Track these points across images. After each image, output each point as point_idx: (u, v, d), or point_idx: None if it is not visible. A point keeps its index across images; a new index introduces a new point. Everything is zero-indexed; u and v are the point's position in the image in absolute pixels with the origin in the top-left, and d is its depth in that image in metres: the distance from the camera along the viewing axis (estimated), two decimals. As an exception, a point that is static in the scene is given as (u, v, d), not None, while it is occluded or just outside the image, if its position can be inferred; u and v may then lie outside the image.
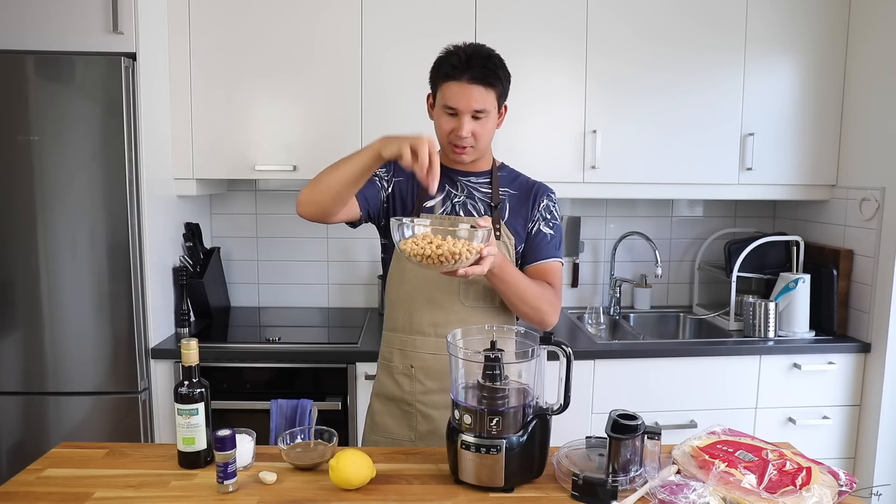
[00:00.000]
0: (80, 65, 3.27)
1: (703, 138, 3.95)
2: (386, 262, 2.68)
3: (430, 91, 2.59)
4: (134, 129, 3.36)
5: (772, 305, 3.87)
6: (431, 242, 2.08)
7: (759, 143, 3.96)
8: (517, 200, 2.60)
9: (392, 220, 2.14)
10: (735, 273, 4.08)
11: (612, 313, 4.51)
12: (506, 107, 2.58)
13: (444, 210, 2.56)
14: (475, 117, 2.43)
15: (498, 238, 2.52)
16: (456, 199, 2.57)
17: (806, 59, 3.96)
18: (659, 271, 4.20)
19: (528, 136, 3.87)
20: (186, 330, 3.85)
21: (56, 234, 3.33)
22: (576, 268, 4.58)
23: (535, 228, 2.59)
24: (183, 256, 3.96)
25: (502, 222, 2.55)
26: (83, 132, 3.28)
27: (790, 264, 4.13)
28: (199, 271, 4.02)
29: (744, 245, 4.09)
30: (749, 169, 3.98)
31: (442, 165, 2.57)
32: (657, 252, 4.21)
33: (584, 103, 3.89)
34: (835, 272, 3.92)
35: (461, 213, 2.55)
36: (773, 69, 3.95)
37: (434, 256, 2.06)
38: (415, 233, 2.12)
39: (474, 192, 2.59)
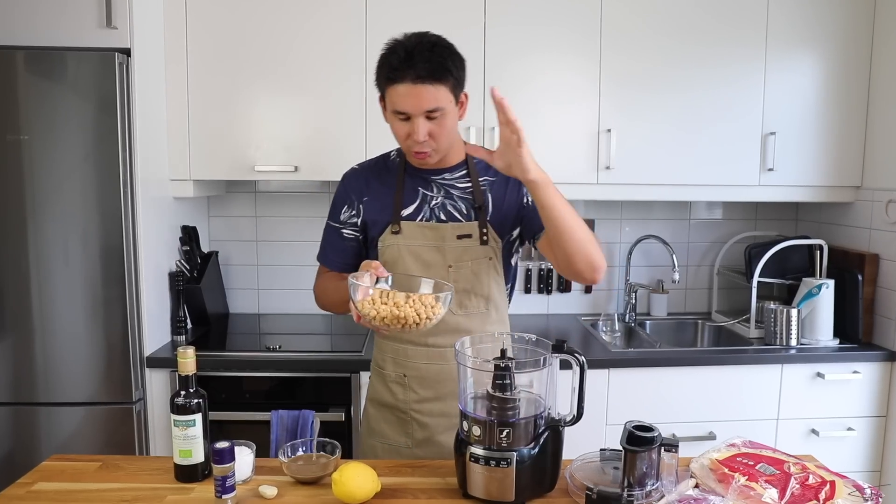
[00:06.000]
0: (73, 61, 3.28)
1: (723, 137, 3.95)
2: None
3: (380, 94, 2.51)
4: (128, 128, 3.37)
5: (794, 312, 3.86)
6: (387, 303, 2.07)
7: (780, 143, 3.96)
8: (498, 187, 2.55)
9: (350, 278, 2.14)
10: (756, 278, 4.07)
11: (627, 320, 4.50)
12: (466, 95, 2.45)
13: (423, 217, 2.53)
14: (429, 117, 2.32)
15: (486, 243, 2.50)
16: (434, 203, 2.53)
17: (830, 54, 3.96)
18: (676, 276, 4.20)
19: (539, 135, 3.81)
20: (183, 337, 3.85)
21: (47, 237, 3.34)
22: (589, 273, 4.57)
23: (531, 198, 2.44)
24: (179, 261, 3.97)
25: (488, 223, 2.51)
26: (75, 131, 3.29)
27: (813, 269, 4.12)
28: (196, 276, 4.02)
29: (765, 249, 4.08)
30: (770, 169, 3.97)
31: (412, 168, 2.57)
32: (674, 256, 4.22)
33: (597, 101, 3.89)
34: (860, 277, 3.91)
35: (441, 215, 2.51)
36: (796, 65, 3.95)
37: (391, 318, 2.06)
38: (370, 293, 2.12)
39: (452, 191, 2.54)
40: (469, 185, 2.55)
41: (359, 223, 2.61)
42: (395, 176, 2.59)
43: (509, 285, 2.69)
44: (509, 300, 2.74)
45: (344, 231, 2.64)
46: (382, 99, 2.45)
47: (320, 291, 2.73)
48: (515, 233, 2.58)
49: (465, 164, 2.58)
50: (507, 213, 2.54)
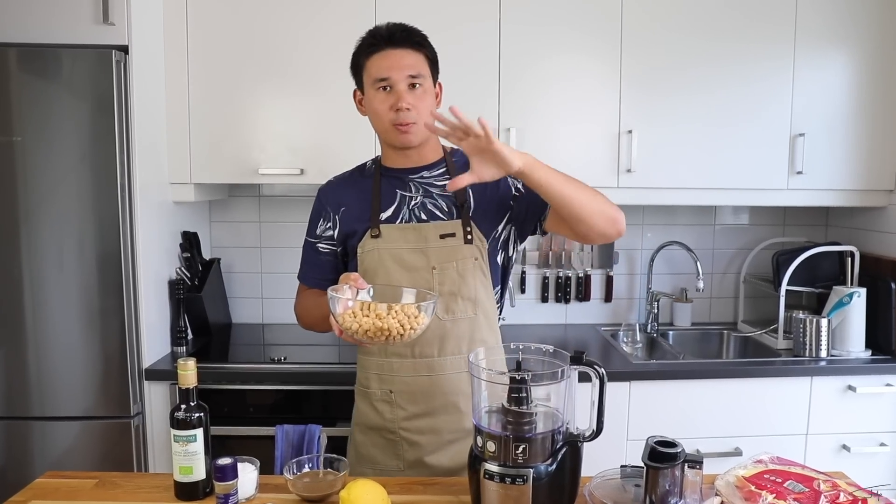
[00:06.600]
0: (68, 58, 3.28)
1: (749, 139, 3.94)
2: None
3: (356, 88, 2.60)
4: (126, 129, 3.37)
5: (824, 322, 3.85)
6: (369, 315, 2.08)
7: (810, 145, 3.94)
8: (479, 185, 2.48)
9: (329, 291, 2.14)
10: (784, 286, 4.06)
11: (649, 330, 4.50)
12: (440, 84, 2.57)
13: (403, 218, 2.54)
14: (412, 85, 2.42)
15: (471, 242, 2.50)
16: (413, 203, 2.54)
17: (862, 51, 3.94)
18: (700, 285, 4.19)
19: (557, 136, 3.87)
20: (183, 349, 3.85)
21: (41, 243, 3.35)
22: (610, 281, 4.59)
23: (519, 185, 2.53)
24: (180, 268, 3.97)
25: (472, 222, 2.52)
26: (71, 132, 3.30)
27: (844, 277, 4.11)
28: (197, 284, 4.03)
29: (793, 256, 4.06)
30: (799, 172, 3.96)
31: (389, 170, 2.60)
32: (699, 264, 4.20)
33: (618, 101, 3.88)
34: (893, 285, 3.89)
35: (422, 215, 2.53)
36: (826, 63, 3.93)
37: (374, 330, 2.07)
38: (351, 306, 2.13)
39: (431, 189, 2.56)
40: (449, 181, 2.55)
41: (335, 236, 2.63)
42: (370, 182, 2.62)
43: (497, 289, 2.67)
44: (500, 306, 2.73)
45: (319, 245, 2.68)
46: (359, 89, 2.58)
47: (301, 310, 2.78)
48: (500, 228, 2.58)
49: (444, 162, 2.61)
50: (489, 209, 2.55)
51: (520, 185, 2.53)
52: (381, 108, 2.44)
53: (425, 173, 2.57)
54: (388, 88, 2.42)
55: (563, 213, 2.30)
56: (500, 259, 2.63)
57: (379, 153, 2.66)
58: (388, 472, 2.58)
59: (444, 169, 2.58)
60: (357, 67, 2.54)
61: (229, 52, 3.76)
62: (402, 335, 2.07)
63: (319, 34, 3.76)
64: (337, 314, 2.11)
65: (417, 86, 2.42)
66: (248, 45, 3.76)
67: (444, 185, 2.55)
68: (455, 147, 2.60)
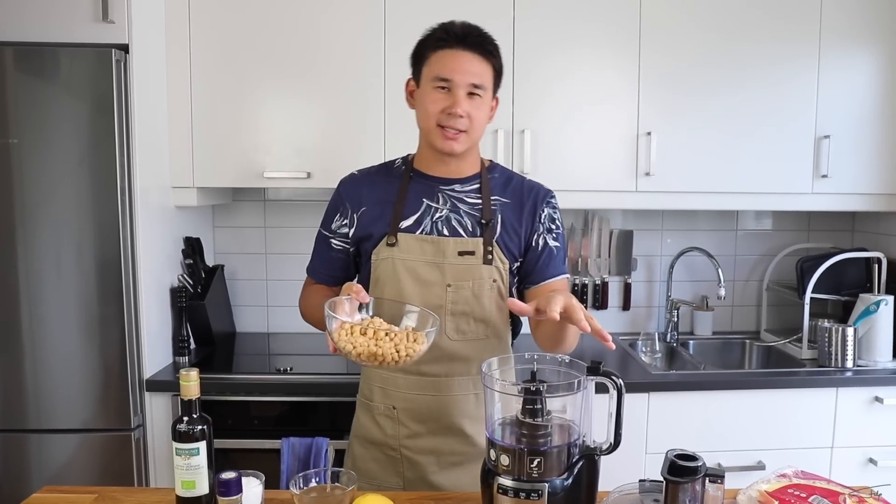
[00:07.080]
0: (66, 58, 3.28)
1: (773, 141, 3.93)
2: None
3: (410, 76, 2.57)
4: (127, 131, 3.37)
5: (850, 331, 3.83)
6: (366, 334, 2.06)
7: (835, 147, 3.93)
8: (510, 211, 2.54)
9: (326, 307, 2.12)
10: (808, 294, 4.05)
11: (668, 340, 4.49)
12: (497, 99, 2.55)
13: (424, 230, 2.50)
14: (471, 94, 2.38)
15: (490, 262, 2.48)
16: (438, 216, 2.51)
17: (889, 51, 3.93)
18: (722, 292, 4.18)
19: (574, 138, 3.85)
20: (186, 359, 3.83)
21: (39, 249, 3.34)
22: (628, 288, 4.58)
23: (540, 242, 2.54)
24: (182, 275, 3.97)
25: (495, 243, 2.50)
26: (69, 134, 3.29)
27: (871, 284, 4.10)
28: (200, 292, 4.03)
29: (818, 262, 4.05)
30: (824, 176, 3.95)
31: (420, 174, 2.57)
32: (720, 270, 4.20)
33: (636, 101, 3.88)
34: (923, 293, 3.88)
35: (444, 230, 2.49)
36: (852, 63, 3.93)
37: (367, 354, 2.05)
38: (347, 327, 2.10)
39: (459, 205, 2.52)
40: (479, 201, 2.53)
41: (350, 235, 2.60)
42: (397, 184, 2.58)
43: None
44: (516, 330, 2.74)
45: (333, 241, 2.66)
46: (414, 77, 2.54)
47: (305, 307, 2.81)
48: (520, 259, 2.57)
49: (479, 177, 2.57)
50: (514, 240, 2.53)
51: (540, 241, 2.55)
52: (432, 108, 2.41)
53: (457, 187, 2.55)
54: (447, 90, 2.39)
55: (547, 330, 2.39)
56: (515, 288, 2.62)
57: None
58: (387, 490, 2.55)
59: (478, 185, 2.55)
60: (419, 58, 2.50)
61: (233, 51, 3.76)
62: (396, 361, 2.06)
63: (326, 32, 3.75)
64: (332, 331, 2.10)
65: (477, 95, 2.40)
66: (253, 43, 3.76)
67: (474, 202, 2.53)
68: (495, 162, 2.63)
